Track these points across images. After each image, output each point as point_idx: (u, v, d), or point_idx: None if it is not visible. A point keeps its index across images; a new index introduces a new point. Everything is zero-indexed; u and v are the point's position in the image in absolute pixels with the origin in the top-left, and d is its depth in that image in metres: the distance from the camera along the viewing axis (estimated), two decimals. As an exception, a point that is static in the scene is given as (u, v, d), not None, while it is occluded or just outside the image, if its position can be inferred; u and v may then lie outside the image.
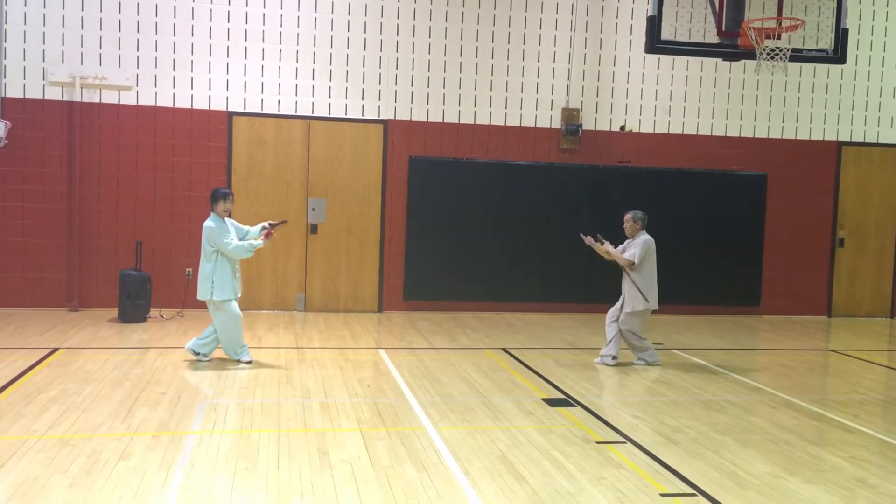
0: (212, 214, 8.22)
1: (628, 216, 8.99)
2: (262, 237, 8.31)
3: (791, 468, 5.69)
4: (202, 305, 11.35)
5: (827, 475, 5.57)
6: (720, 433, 6.47)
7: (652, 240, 8.86)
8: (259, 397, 7.03)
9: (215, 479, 5.08)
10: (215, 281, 8.13)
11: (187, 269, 11.42)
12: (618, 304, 8.97)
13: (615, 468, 5.53)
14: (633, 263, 8.75)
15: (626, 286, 8.88)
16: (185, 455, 5.46)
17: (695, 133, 12.80)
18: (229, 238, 8.12)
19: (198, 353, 8.31)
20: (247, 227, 8.51)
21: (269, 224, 8.41)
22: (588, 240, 8.94)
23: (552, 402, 7.19)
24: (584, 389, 7.76)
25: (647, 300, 8.75)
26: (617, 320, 8.91)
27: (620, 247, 8.92)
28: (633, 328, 8.88)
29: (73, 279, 11.12)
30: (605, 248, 8.89)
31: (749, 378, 8.54)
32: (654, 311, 8.96)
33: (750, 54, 9.08)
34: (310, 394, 7.20)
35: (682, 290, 12.66)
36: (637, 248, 8.79)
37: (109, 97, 11.20)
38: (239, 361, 8.26)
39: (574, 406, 7.11)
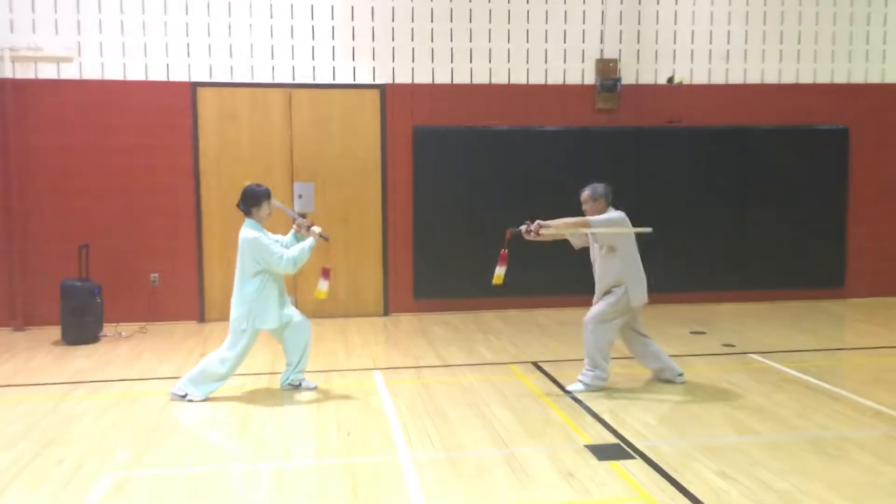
0: (248, 220, 6.39)
1: (585, 194, 6.65)
2: (303, 230, 6.60)
3: None
4: (170, 318, 9.62)
5: None
6: (851, 501, 4.38)
7: (625, 216, 6.55)
8: (190, 463, 5.08)
9: None
10: (255, 307, 6.33)
11: (152, 275, 9.56)
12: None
13: (709, 591, 3.49)
14: (588, 222, 6.44)
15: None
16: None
17: (759, 82, 10.56)
18: (277, 250, 6.33)
19: (298, 384, 6.71)
20: (278, 237, 6.67)
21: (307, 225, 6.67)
22: (534, 228, 6.39)
23: (601, 453, 5.15)
24: (642, 426, 5.70)
25: (633, 297, 6.46)
26: (639, 332, 6.75)
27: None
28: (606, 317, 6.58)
29: (16, 292, 9.29)
30: (541, 227, 6.34)
31: (862, 396, 6.40)
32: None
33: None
34: (263, 454, 5.23)
35: (751, 272, 10.58)
36: (603, 218, 6.51)
37: (47, 71, 9.29)
38: (187, 397, 6.37)
39: (632, 458, 5.07)
